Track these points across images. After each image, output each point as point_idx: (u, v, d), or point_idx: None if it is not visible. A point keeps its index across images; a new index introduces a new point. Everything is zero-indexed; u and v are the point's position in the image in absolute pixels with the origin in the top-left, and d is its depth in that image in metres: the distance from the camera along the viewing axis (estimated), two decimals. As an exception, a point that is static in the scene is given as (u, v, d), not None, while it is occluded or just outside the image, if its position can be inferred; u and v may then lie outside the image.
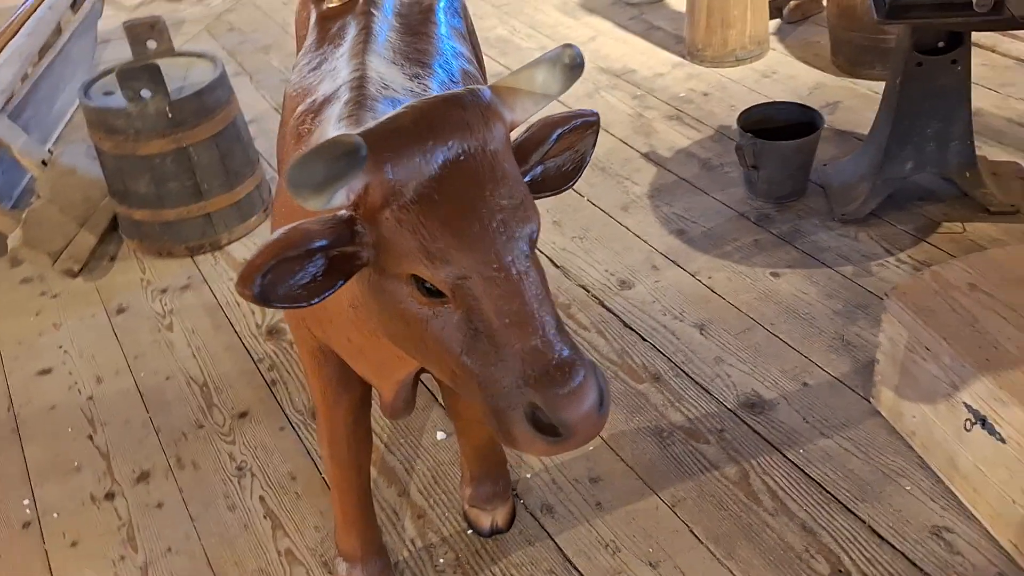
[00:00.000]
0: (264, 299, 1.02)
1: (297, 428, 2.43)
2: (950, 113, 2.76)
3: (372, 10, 1.71)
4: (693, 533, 2.03)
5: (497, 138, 1.08)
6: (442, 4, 1.85)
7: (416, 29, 1.73)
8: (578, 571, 1.98)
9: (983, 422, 1.85)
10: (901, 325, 2.05)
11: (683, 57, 4.05)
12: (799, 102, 3.16)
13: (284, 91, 1.79)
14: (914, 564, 1.90)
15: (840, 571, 1.91)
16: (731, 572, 1.93)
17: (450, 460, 2.28)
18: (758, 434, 2.23)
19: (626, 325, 2.61)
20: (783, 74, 3.84)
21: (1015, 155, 3.10)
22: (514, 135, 1.14)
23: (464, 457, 2.02)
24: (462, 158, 1.04)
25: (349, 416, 1.73)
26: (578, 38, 4.32)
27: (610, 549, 2.02)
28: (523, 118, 1.12)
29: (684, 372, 2.43)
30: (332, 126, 1.34)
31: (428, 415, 2.41)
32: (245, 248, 3.16)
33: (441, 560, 2.04)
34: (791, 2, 4.21)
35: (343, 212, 1.07)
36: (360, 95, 1.38)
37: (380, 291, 1.10)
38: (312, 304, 1.06)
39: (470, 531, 2.09)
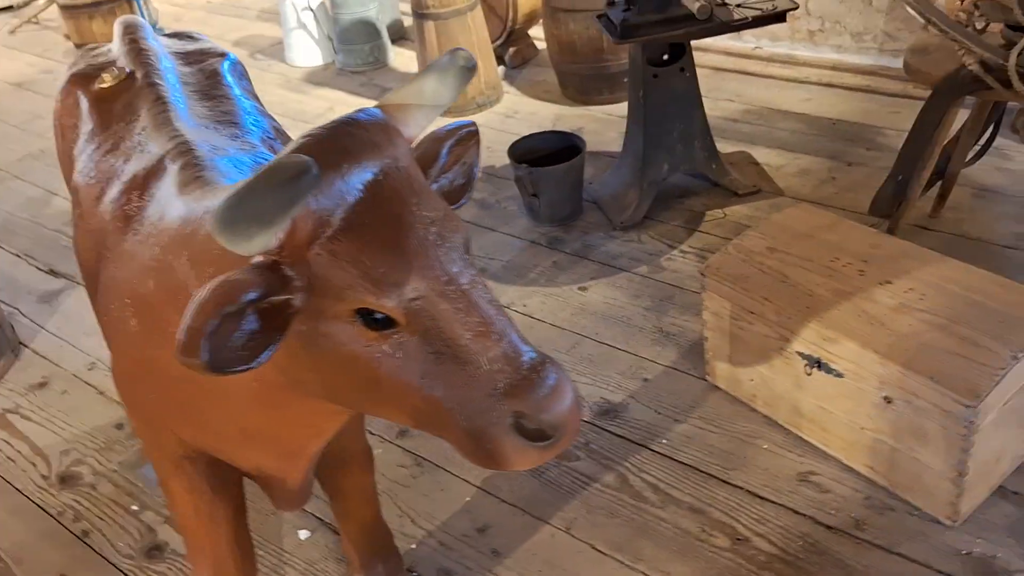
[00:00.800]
0: (215, 366, 0.87)
1: (131, 574, 2.10)
2: (688, 114, 3.05)
3: (156, 82, 1.57)
4: (595, 548, 2.00)
5: (404, 154, 1.02)
6: (226, 67, 1.74)
7: (210, 93, 1.61)
8: (498, 623, 1.88)
9: (819, 364, 2.02)
10: (722, 298, 2.20)
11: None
12: (556, 130, 3.33)
13: (72, 184, 1.58)
14: (796, 512, 2.02)
15: (739, 539, 1.98)
16: (644, 574, 1.93)
17: (322, 556, 2.08)
18: (621, 437, 2.27)
19: (459, 370, 2.56)
20: (524, 112, 4.04)
21: (739, 146, 3.48)
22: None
23: (350, 542, 1.86)
24: (380, 177, 0.97)
25: (231, 529, 1.52)
26: (314, 111, 4.27)
27: (521, 590, 1.94)
28: (417, 132, 1.07)
29: (531, 399, 2.42)
30: (177, 195, 1.20)
31: (280, 517, 2.20)
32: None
33: (349, 662, 1.85)
34: (511, 49, 4.46)
35: (263, 258, 0.94)
36: (194, 158, 1.26)
37: (315, 340, 0.97)
38: (258, 365, 0.92)
39: (371, 621, 1.91)
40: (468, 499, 2.16)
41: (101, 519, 2.26)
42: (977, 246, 2.70)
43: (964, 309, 1.90)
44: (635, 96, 3.05)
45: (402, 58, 4.79)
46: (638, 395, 2.40)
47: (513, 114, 4.05)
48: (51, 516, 2.29)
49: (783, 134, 3.52)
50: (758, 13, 2.81)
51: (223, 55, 1.79)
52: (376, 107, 1.06)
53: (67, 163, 1.74)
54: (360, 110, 1.04)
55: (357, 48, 4.74)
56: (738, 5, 2.86)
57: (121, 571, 2.12)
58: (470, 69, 1.06)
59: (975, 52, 2.18)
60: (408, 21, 5.21)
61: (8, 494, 2.37)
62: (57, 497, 2.34)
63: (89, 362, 2.81)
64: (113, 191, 1.39)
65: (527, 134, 3.27)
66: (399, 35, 5.04)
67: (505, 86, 4.28)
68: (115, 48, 1.84)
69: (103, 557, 2.16)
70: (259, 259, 0.95)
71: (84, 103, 1.66)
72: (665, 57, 3.03)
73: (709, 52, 4.24)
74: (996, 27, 2.27)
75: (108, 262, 1.35)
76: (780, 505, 2.04)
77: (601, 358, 2.53)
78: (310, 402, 1.12)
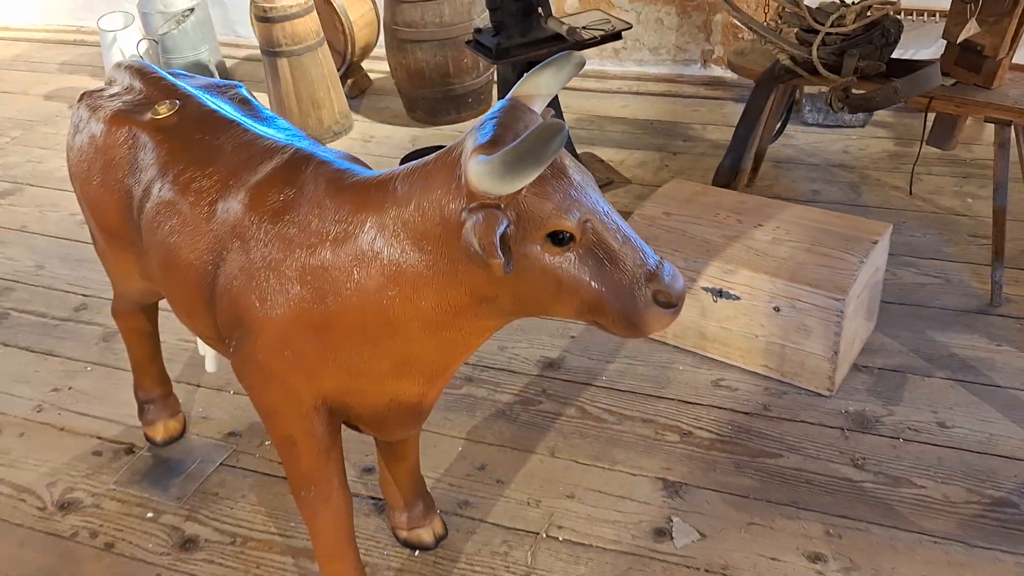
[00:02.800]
0: (506, 264, 1.28)
1: (172, 568, 2.27)
2: (552, 120, 3.62)
3: (215, 108, 1.87)
4: (578, 462, 2.47)
5: None
6: (246, 93, 2.03)
7: (255, 115, 1.92)
8: (524, 531, 2.28)
9: (721, 293, 2.63)
10: (635, 256, 2.76)
11: (285, 145, 4.39)
12: (440, 145, 3.77)
13: (154, 206, 1.80)
14: (719, 408, 2.61)
15: (685, 434, 2.53)
16: (624, 473, 2.42)
17: (346, 518, 2.37)
18: (569, 381, 2.76)
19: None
20: (380, 136, 4.43)
21: (582, 147, 4.10)
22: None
23: (396, 484, 2.18)
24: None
25: (340, 469, 1.83)
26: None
27: (532, 504, 2.36)
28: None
29: (486, 367, 2.84)
30: (334, 183, 1.55)
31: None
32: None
33: (409, 587, 2.17)
34: (349, 81, 4.82)
35: (490, 201, 1.33)
36: (320, 158, 1.63)
37: (517, 261, 1.36)
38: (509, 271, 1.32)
39: (416, 552, 2.25)
40: (460, 449, 2.55)
41: (120, 530, 2.39)
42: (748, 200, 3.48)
43: (818, 235, 2.60)
44: (506, 109, 3.56)
45: (241, 96, 4.98)
46: (570, 349, 2.90)
47: (370, 139, 4.42)
48: (65, 539, 2.38)
49: (615, 135, 4.20)
50: (603, 33, 3.44)
51: (235, 86, 2.08)
52: (511, 98, 1.47)
53: (116, 192, 1.93)
54: (505, 100, 1.45)
55: (193, 90, 4.86)
56: (583, 28, 3.47)
57: (161, 567, 2.28)
58: (580, 66, 1.50)
59: (786, 51, 2.92)
60: (232, 63, 5.42)
61: (9, 530, 2.42)
62: (64, 522, 2.43)
63: (34, 405, 2.85)
64: (237, 198, 1.66)
65: (416, 148, 3.68)
66: (224, 76, 5.22)
67: (353, 115, 4.64)
68: (125, 87, 2.06)
69: (138, 560, 2.30)
70: (487, 202, 1.33)
71: (142, 135, 1.88)
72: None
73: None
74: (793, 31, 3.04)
75: (249, 252, 1.62)
76: (706, 405, 2.62)
77: (531, 327, 3.00)
78: (478, 321, 1.50)
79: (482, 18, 4.34)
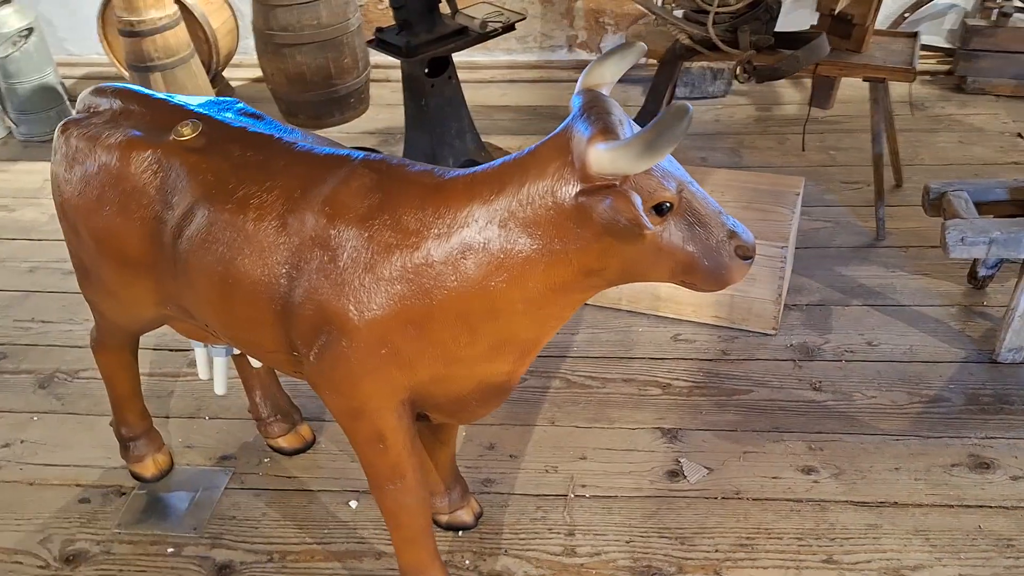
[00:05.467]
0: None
1: (214, 599, 2.24)
2: (459, 114, 3.75)
3: (245, 126, 1.89)
4: (579, 426, 2.66)
5: None
6: (253, 110, 2.04)
7: (278, 127, 1.95)
8: (552, 495, 2.44)
9: (673, 255, 2.89)
10: (589, 231, 2.97)
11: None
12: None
13: (210, 228, 1.78)
14: (685, 359, 2.89)
15: (665, 385, 2.79)
16: (623, 429, 2.64)
17: (374, 518, 2.42)
18: (545, 357, 2.93)
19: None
20: (267, 145, 4.35)
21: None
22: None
23: (438, 471, 2.27)
24: None
25: (420, 456, 1.91)
26: (26, 185, 4.08)
27: (550, 471, 2.52)
28: None
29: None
30: (425, 182, 1.65)
31: (328, 495, 2.46)
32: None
33: (473, 562, 2.28)
34: (215, 91, 4.67)
35: (611, 179, 1.47)
36: (392, 161, 1.73)
37: (628, 231, 1.51)
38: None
39: (460, 533, 2.35)
40: (463, 434, 2.66)
41: (143, 572, 2.31)
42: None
43: (750, 194, 2.93)
44: (416, 106, 3.65)
45: (95, 117, 4.68)
46: (533, 325, 3.07)
47: (256, 148, 4.33)
48: (85, 591, 2.27)
49: (505, 123, 4.38)
50: (501, 24, 3.61)
51: (235, 102, 2.07)
52: (588, 89, 1.62)
53: (138, 220, 1.87)
54: (583, 92, 1.60)
55: (39, 116, 4.54)
56: (483, 21, 3.62)
57: (206, 597, 2.24)
58: (641, 53, 1.67)
59: (685, 31, 3.22)
60: (70, 83, 5.08)
61: (13, 596, 2.27)
62: (77, 575, 2.31)
63: (-13, 464, 2.65)
64: (312, 210, 1.69)
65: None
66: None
67: (235, 124, 4.52)
68: (117, 111, 1.99)
69: (177, 596, 2.25)
70: (604, 183, 1.48)
71: (170, 159, 1.84)
72: (427, 71, 3.68)
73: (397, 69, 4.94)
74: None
75: (337, 259, 1.66)
76: (673, 359, 2.89)
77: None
78: (576, 296, 1.65)
79: (356, 17, 4.38)
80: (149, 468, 2.54)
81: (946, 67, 4.54)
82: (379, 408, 1.79)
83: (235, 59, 4.86)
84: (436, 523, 2.36)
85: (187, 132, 1.87)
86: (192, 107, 1.96)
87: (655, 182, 1.52)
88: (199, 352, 2.33)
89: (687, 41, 3.25)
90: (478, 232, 1.60)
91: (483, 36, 3.55)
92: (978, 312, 3.00)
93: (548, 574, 2.23)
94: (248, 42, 4.96)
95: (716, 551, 2.26)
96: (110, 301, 2.14)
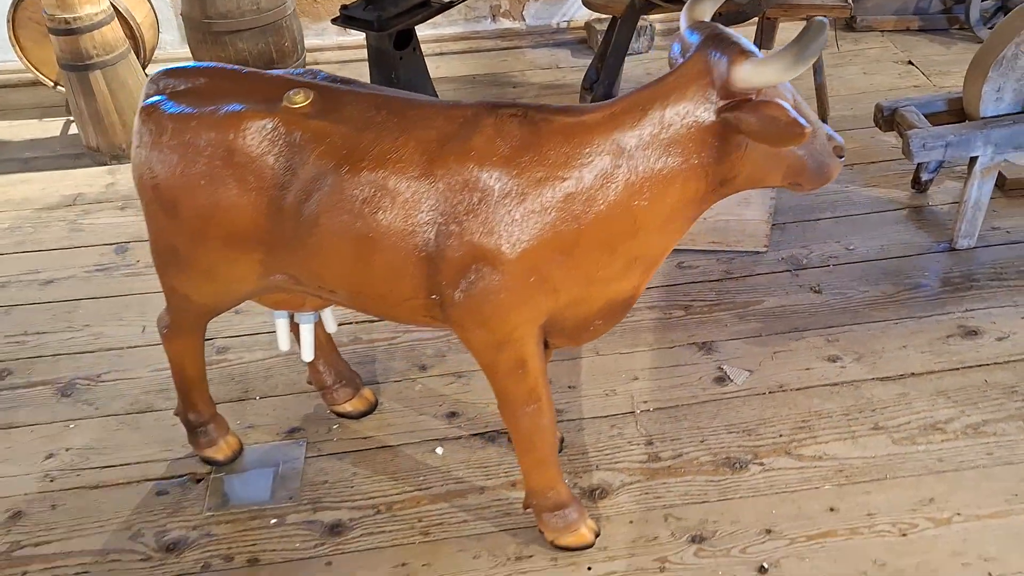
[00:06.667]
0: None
1: (327, 557, 2.30)
2: (425, 85, 3.85)
3: (357, 88, 1.97)
4: (622, 353, 2.87)
5: None
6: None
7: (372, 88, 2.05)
8: (619, 414, 2.65)
9: (672, 189, 3.14)
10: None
11: (108, 164, 4.07)
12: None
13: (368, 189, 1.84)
14: (694, 283, 3.15)
15: (686, 306, 3.04)
16: (662, 349, 2.87)
17: (460, 462, 2.53)
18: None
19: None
20: (215, 136, 4.27)
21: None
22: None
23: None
24: None
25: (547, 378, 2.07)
26: (-16, 198, 3.86)
27: (609, 394, 2.72)
28: None
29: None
30: (551, 125, 1.80)
31: (416, 446, 2.56)
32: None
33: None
34: (143, 88, 4.53)
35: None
36: (521, 105, 1.86)
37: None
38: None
39: (548, 460, 2.51)
40: (517, 374, 2.81)
41: (253, 544, 2.34)
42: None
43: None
44: (386, 80, 3.72)
45: (12, 130, 4.44)
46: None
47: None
48: (198, 573, 2.27)
49: (450, 94, 4.49)
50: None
51: (317, 71, 2.12)
52: (698, 23, 1.81)
53: (254, 191, 1.90)
54: (694, 27, 1.79)
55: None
56: (432, -5, 3.72)
57: (327, 555, 2.29)
58: None
59: (646, -14, 3.47)
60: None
61: (126, 589, 2.25)
62: (184, 560, 2.31)
63: (40, 476, 2.57)
64: (453, 157, 1.79)
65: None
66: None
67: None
68: (202, 87, 2.01)
69: (296, 560, 2.29)
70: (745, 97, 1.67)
71: (289, 127, 1.88)
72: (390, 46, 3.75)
73: (326, 51, 4.95)
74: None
75: (487, 199, 1.77)
76: (683, 284, 3.15)
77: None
78: (702, 207, 1.84)
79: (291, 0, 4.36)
80: (222, 451, 2.55)
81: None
82: (523, 336, 1.93)
83: (156, 54, 4.70)
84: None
85: (300, 99, 1.91)
86: (290, 76, 2.01)
87: (779, 92, 1.73)
88: (281, 323, 2.37)
89: (646, -5, 3.50)
90: (624, 157, 1.77)
91: (447, 5, 3.66)
92: (927, 211, 3.43)
93: (642, 479, 2.44)
94: (166, 36, 4.84)
95: (780, 436, 2.54)
96: (203, 282, 2.13)
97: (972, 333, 2.84)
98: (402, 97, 1.95)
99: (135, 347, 3.03)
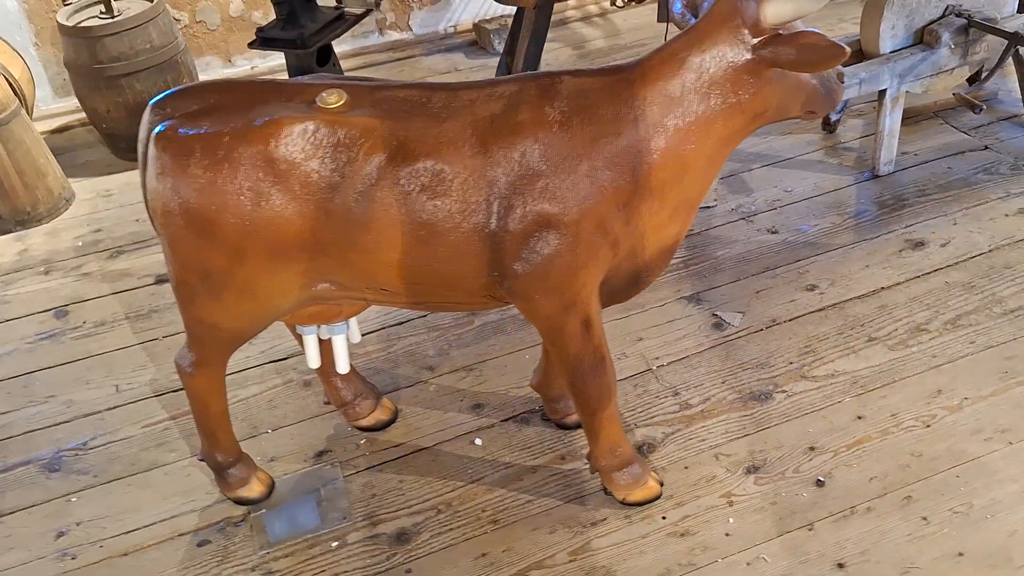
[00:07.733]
0: None
1: (406, 564, 2.26)
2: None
3: (390, 82, 1.97)
4: (617, 319, 2.96)
5: None
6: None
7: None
8: (637, 373, 2.73)
9: (625, 159, 3.27)
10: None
11: (14, 230, 3.78)
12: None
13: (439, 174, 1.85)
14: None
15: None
16: (654, 308, 2.99)
17: (500, 448, 2.54)
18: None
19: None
20: (118, 187, 4.04)
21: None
22: None
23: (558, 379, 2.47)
24: None
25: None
26: None
27: (620, 357, 2.80)
28: None
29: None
30: (593, 84, 1.88)
31: (454, 441, 2.54)
32: None
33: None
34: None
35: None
36: (552, 74, 1.93)
37: (785, 77, 1.85)
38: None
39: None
40: (527, 357, 2.85)
41: (320, 571, 2.26)
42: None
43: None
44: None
45: None
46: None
47: (108, 193, 4.02)
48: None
49: (359, 107, 4.45)
50: (367, 8, 3.73)
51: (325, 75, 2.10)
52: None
53: (300, 200, 1.86)
54: None
55: None
56: (347, 9, 3.71)
57: (403, 563, 2.25)
58: None
59: (557, -27, 3.58)
60: None
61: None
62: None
63: (57, 556, 2.38)
64: (505, 132, 1.83)
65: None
66: None
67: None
68: (216, 103, 1.94)
69: (360, 570, 2.24)
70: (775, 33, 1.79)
71: (326, 128, 1.85)
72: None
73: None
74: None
75: (548, 165, 1.82)
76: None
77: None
78: (734, 145, 1.96)
79: (180, 36, 4.19)
80: (256, 488, 2.45)
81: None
82: (589, 295, 1.99)
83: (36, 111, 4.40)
84: (563, 427, 2.56)
85: (334, 100, 1.88)
86: (303, 81, 1.98)
87: (801, 25, 1.88)
88: (310, 340, 2.31)
89: (558, -19, 3.62)
90: (670, 105, 1.86)
91: (362, 16, 3.65)
92: (841, 148, 3.73)
93: (681, 427, 2.54)
94: (42, 91, 4.54)
95: (790, 364, 2.70)
96: (239, 302, 2.05)
97: (919, 244, 3.13)
98: (439, 84, 1.96)
99: (115, 407, 2.85)
